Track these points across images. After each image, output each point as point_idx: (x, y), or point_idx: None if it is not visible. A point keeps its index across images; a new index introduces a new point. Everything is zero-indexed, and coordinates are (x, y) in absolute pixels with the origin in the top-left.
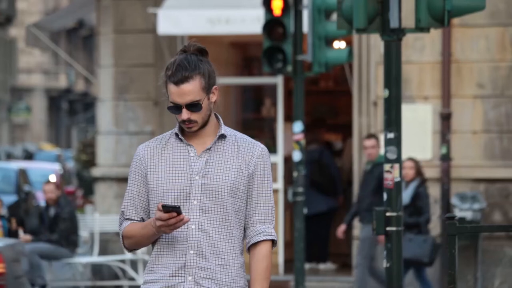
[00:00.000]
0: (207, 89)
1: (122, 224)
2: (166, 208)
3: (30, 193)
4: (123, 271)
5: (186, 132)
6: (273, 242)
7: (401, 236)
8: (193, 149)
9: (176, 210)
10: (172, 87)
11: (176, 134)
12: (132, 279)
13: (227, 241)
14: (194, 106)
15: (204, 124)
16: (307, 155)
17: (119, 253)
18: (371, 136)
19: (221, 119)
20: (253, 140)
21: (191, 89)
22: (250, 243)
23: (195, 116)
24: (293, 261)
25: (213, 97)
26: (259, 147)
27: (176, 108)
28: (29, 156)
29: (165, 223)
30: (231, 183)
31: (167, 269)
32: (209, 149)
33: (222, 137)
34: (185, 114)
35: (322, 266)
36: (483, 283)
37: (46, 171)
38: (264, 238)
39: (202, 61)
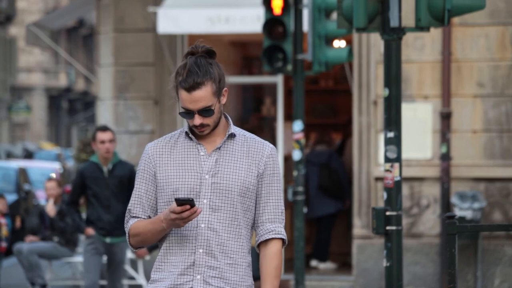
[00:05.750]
0: (218, 93)
1: (129, 222)
2: (179, 202)
3: (30, 192)
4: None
5: None
6: (283, 242)
7: (401, 236)
8: (203, 148)
9: (190, 202)
10: (183, 94)
11: (186, 133)
12: (132, 278)
13: (236, 240)
14: (206, 112)
15: (215, 125)
16: (314, 156)
17: None
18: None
19: (230, 118)
20: (262, 140)
21: (203, 95)
22: (260, 241)
23: (207, 121)
24: (293, 260)
25: (224, 99)
26: (269, 147)
27: (188, 113)
28: (29, 155)
29: (179, 216)
30: (241, 183)
31: (175, 268)
32: (219, 148)
33: (232, 136)
34: (197, 120)
35: (322, 266)
36: (483, 282)
37: (46, 170)
38: (274, 236)
39: (212, 64)
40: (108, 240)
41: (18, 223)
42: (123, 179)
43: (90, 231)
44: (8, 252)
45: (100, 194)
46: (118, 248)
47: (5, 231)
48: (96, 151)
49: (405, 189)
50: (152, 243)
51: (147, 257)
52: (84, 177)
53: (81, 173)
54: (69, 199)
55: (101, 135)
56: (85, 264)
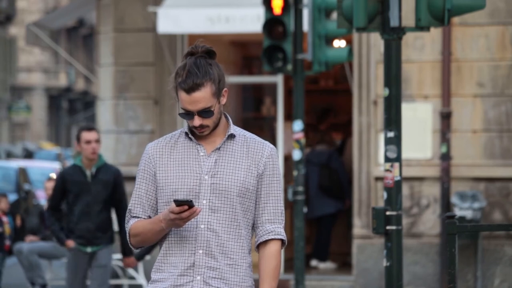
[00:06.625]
0: (218, 94)
1: (129, 222)
2: (178, 203)
3: (30, 192)
4: (123, 270)
5: None
6: (283, 242)
7: (401, 236)
8: (202, 148)
9: (188, 203)
10: (183, 95)
11: (186, 133)
12: (132, 278)
13: (236, 241)
14: (205, 113)
15: (215, 126)
16: (314, 156)
17: (119, 252)
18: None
19: (230, 118)
20: (262, 140)
21: (202, 97)
22: (259, 242)
23: (207, 122)
24: (293, 260)
25: (224, 100)
26: (269, 147)
27: (188, 114)
28: (29, 155)
29: (178, 216)
30: (241, 183)
31: (175, 268)
32: (219, 148)
33: (231, 136)
34: (197, 121)
35: (322, 265)
36: (483, 282)
37: (46, 170)
38: (273, 237)
39: (212, 65)
40: (89, 249)
41: (18, 222)
42: (108, 184)
43: (71, 243)
44: (9, 252)
45: (81, 200)
46: (101, 252)
47: (8, 229)
48: (80, 153)
49: (405, 189)
50: (152, 243)
51: (148, 257)
52: (65, 181)
53: (62, 177)
54: (50, 204)
55: (87, 135)
56: (69, 279)
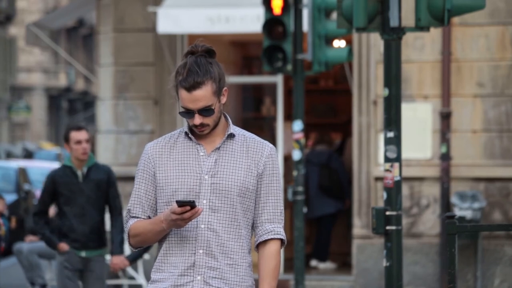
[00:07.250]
0: (218, 92)
1: (128, 222)
2: (180, 203)
3: (30, 192)
4: (123, 270)
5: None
6: (282, 242)
7: (401, 236)
8: (202, 148)
9: (190, 204)
10: (183, 93)
11: (186, 133)
12: (131, 278)
13: (236, 241)
14: (206, 111)
15: (215, 125)
16: (314, 156)
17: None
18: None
19: (229, 118)
20: (262, 140)
21: (203, 95)
22: (258, 241)
23: (207, 120)
24: (293, 260)
25: (224, 99)
26: (268, 147)
27: (188, 113)
28: (29, 155)
29: (180, 217)
30: (241, 183)
31: (175, 268)
32: (218, 148)
33: (231, 136)
34: (197, 119)
35: (321, 265)
36: (483, 282)
37: (46, 170)
38: (272, 237)
39: (212, 63)
40: (83, 254)
41: (13, 223)
42: (101, 184)
43: (64, 246)
44: (6, 252)
45: (73, 202)
46: (97, 263)
47: (3, 231)
48: (69, 153)
49: (405, 189)
50: (152, 243)
51: (148, 257)
52: (56, 183)
53: (51, 179)
54: (37, 208)
55: (77, 135)
56: (60, 286)
